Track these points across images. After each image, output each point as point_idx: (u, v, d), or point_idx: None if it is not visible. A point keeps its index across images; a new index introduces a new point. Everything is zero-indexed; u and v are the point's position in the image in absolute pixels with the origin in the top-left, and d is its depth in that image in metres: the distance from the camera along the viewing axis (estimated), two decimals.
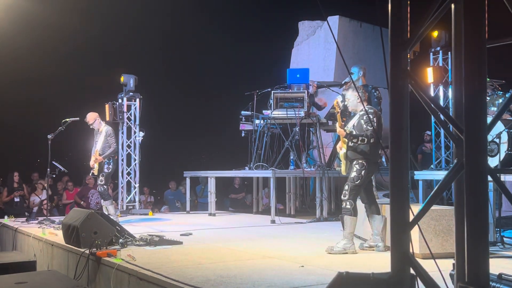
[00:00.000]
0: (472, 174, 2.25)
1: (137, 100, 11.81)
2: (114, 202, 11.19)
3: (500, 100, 6.99)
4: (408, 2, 2.56)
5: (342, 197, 5.66)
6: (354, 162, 5.67)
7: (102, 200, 9.02)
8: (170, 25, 17.24)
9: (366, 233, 6.34)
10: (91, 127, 9.20)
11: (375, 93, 7.39)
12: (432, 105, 2.42)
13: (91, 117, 9.15)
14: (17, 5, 12.65)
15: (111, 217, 7.08)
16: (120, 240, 6.06)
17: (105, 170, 8.79)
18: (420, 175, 8.48)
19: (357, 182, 5.64)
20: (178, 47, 18.13)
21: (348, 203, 5.59)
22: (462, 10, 2.37)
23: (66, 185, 13.30)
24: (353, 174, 5.63)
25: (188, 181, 11.63)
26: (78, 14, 15.02)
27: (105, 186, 8.77)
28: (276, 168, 9.78)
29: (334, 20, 12.86)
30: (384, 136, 5.49)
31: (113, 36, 16.30)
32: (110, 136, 8.97)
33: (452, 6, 2.47)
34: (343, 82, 7.74)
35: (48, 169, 9.60)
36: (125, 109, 11.62)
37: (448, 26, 2.57)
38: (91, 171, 8.89)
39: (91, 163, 8.86)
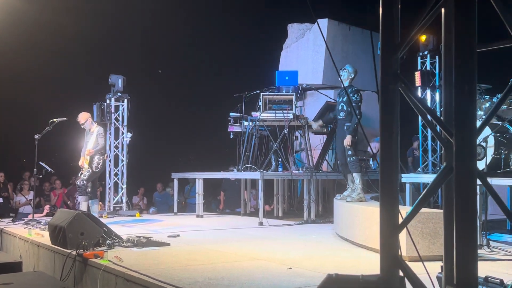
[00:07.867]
0: (462, 177, 2.27)
1: (125, 100, 11.76)
2: (101, 203, 11.15)
3: (487, 105, 7.06)
4: (399, 6, 2.58)
5: None
6: None
7: (77, 195, 8.93)
8: (159, 26, 17.17)
9: (354, 236, 6.37)
10: (82, 126, 9.12)
11: (353, 97, 7.44)
12: (424, 111, 2.44)
13: (83, 117, 9.07)
14: (4, 3, 12.53)
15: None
16: (107, 241, 6.02)
17: (93, 168, 8.73)
18: (407, 178, 8.52)
19: None
20: (167, 48, 18.05)
21: None
22: (453, 14, 2.39)
23: (53, 185, 13.23)
24: None
25: (176, 182, 11.57)
26: (66, 13, 14.89)
27: (84, 182, 8.67)
28: (264, 170, 9.79)
29: (323, 23, 12.90)
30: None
31: (102, 35, 16.19)
32: (100, 135, 8.91)
33: (443, 10, 2.49)
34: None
35: (35, 169, 9.52)
36: (113, 109, 11.56)
37: (436, 30, 2.60)
38: (81, 171, 8.82)
39: (80, 163, 8.78)
